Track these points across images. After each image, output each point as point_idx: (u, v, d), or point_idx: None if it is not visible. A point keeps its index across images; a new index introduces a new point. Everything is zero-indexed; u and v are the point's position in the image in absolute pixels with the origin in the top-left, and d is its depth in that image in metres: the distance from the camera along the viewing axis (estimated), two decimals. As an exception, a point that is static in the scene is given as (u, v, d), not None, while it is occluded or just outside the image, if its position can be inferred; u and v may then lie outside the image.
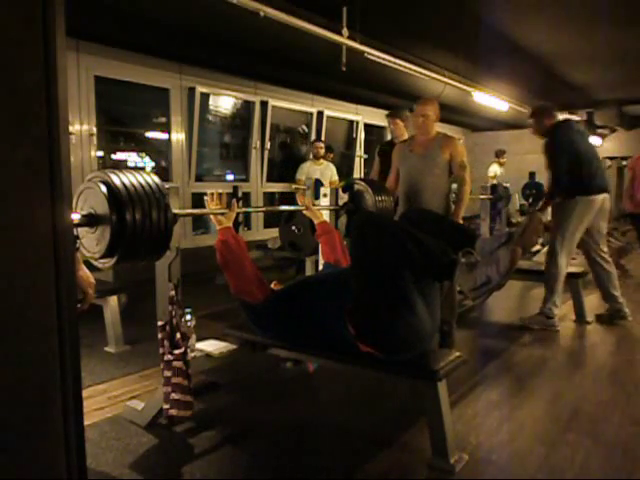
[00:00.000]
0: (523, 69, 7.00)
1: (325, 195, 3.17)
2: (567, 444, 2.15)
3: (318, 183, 5.83)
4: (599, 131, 10.42)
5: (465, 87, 6.43)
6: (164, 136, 5.96)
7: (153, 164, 6.13)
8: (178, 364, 2.08)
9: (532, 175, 7.01)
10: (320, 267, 2.95)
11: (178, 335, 2.10)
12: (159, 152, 6.16)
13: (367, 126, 8.45)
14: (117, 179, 1.79)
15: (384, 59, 4.77)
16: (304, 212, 2.91)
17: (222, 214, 2.33)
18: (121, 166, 5.69)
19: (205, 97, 6.10)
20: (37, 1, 0.81)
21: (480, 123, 10.16)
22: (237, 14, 3.54)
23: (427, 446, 2.01)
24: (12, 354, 0.82)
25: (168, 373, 2.09)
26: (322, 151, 6.14)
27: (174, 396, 2.08)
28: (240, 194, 5.50)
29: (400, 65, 5.05)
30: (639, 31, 5.48)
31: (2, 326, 0.81)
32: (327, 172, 6.17)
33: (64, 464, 0.88)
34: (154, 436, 2.21)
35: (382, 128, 8.67)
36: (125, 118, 5.96)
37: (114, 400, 2.57)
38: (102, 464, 1.99)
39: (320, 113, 7.47)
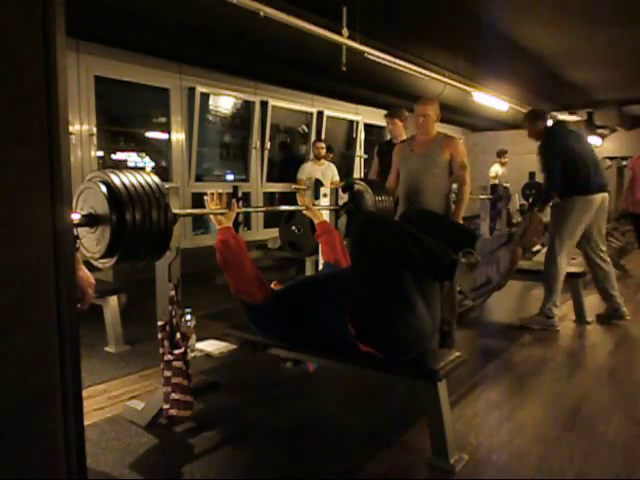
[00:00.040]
0: (523, 69, 7.01)
1: (325, 195, 3.17)
2: (567, 444, 2.15)
3: (318, 183, 5.84)
4: (599, 131, 10.42)
5: (465, 87, 6.44)
6: (164, 136, 5.96)
7: (153, 164, 6.13)
8: (178, 364, 2.08)
9: (532, 175, 7.02)
10: (320, 267, 2.95)
11: (178, 335, 2.10)
12: (159, 152, 6.16)
13: (367, 126, 8.46)
14: (117, 179, 1.79)
15: (384, 59, 4.77)
16: (304, 212, 2.91)
17: (222, 214, 2.33)
18: (121, 166, 5.69)
19: (205, 97, 6.11)
20: (37, 1, 0.81)
21: (480, 123, 10.16)
22: (237, 14, 3.54)
23: (427, 446, 2.01)
24: (12, 354, 0.82)
25: (168, 373, 2.09)
26: (323, 151, 6.14)
27: (174, 396, 2.08)
28: (240, 194, 5.50)
29: (400, 65, 5.05)
30: (639, 31, 5.49)
31: (2, 326, 0.81)
32: (328, 172, 6.18)
33: (64, 464, 0.88)
34: (154, 436, 2.21)
35: (382, 128, 8.67)
36: (125, 118, 5.96)
37: (114, 400, 2.57)
38: (102, 464, 1.99)
39: (320, 113, 7.47)
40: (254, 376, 2.94)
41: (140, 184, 1.82)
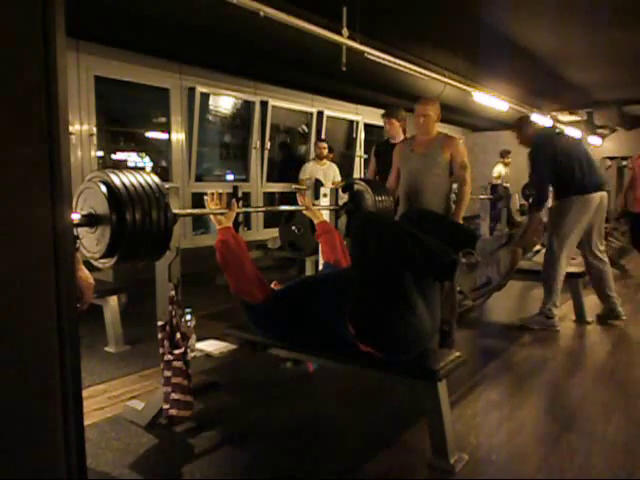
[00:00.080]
0: (523, 69, 7.00)
1: (325, 195, 3.17)
2: (567, 444, 2.15)
3: (318, 183, 5.85)
4: (599, 131, 10.43)
5: (465, 87, 6.43)
6: (164, 136, 5.96)
7: (152, 164, 6.13)
8: (178, 364, 2.08)
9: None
10: (320, 267, 2.95)
11: (178, 335, 2.10)
12: (159, 152, 6.16)
13: (367, 126, 8.46)
14: (117, 179, 1.79)
15: (384, 59, 4.77)
16: (304, 212, 2.91)
17: (222, 214, 2.33)
18: (121, 166, 5.69)
19: (205, 97, 6.11)
20: (37, 1, 0.81)
21: (480, 123, 10.16)
22: (237, 14, 3.54)
23: (427, 446, 2.01)
24: (12, 354, 0.82)
25: (168, 373, 2.09)
26: (325, 151, 6.14)
27: (174, 396, 2.08)
28: (240, 194, 5.50)
29: (400, 65, 5.05)
30: (639, 31, 5.49)
31: (2, 326, 0.81)
32: (330, 172, 6.18)
33: (64, 464, 0.88)
34: (154, 436, 2.21)
35: (382, 128, 8.64)
36: (125, 118, 5.96)
37: (114, 400, 2.57)
38: (102, 464, 1.99)
39: (320, 113, 7.47)
40: (254, 376, 2.93)
41: (140, 184, 1.82)
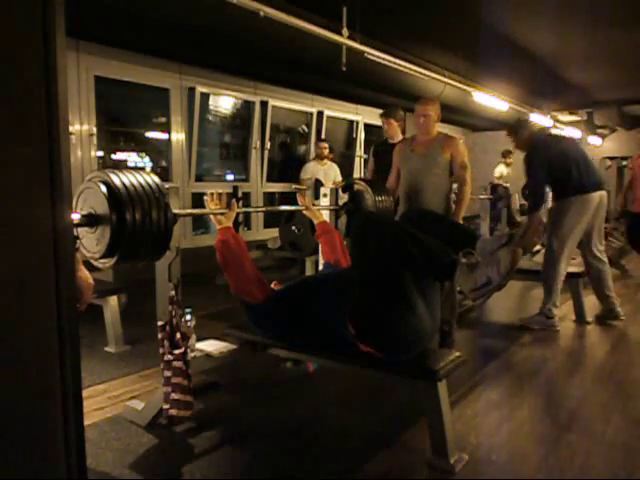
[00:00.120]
0: (523, 69, 7.01)
1: (325, 195, 3.17)
2: (567, 444, 2.15)
3: (318, 183, 5.85)
4: (599, 131, 10.43)
5: (465, 87, 6.43)
6: (164, 136, 5.96)
7: (151, 164, 6.13)
8: (178, 364, 2.08)
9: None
10: (320, 267, 2.95)
11: (178, 335, 2.10)
12: (159, 152, 6.16)
13: (367, 126, 8.46)
14: (117, 179, 1.79)
15: (384, 59, 4.77)
16: (304, 212, 2.91)
17: (222, 214, 2.33)
18: (121, 166, 5.69)
19: (205, 97, 6.11)
20: (37, 1, 0.81)
21: (480, 123, 10.16)
22: (237, 14, 3.54)
23: (427, 446, 2.01)
24: (12, 354, 0.82)
25: (168, 373, 2.09)
26: (326, 151, 6.14)
27: (174, 396, 2.08)
28: (240, 194, 5.50)
29: (400, 65, 5.05)
30: (639, 31, 5.49)
31: (2, 326, 0.81)
32: (331, 172, 6.18)
33: (64, 464, 0.88)
34: (154, 436, 2.21)
35: (382, 128, 8.67)
36: (125, 118, 5.96)
37: (114, 400, 2.57)
38: (102, 464, 1.99)
39: (320, 113, 7.47)
40: (254, 376, 2.93)
41: (140, 184, 1.82)
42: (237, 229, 3.52)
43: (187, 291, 2.22)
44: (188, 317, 2.18)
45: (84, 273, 1.87)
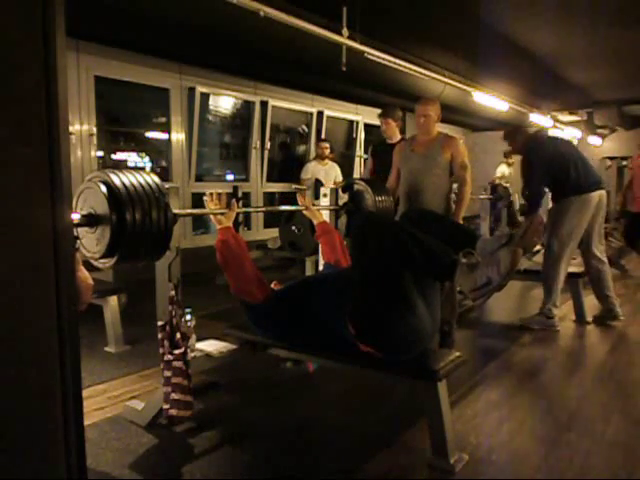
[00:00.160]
0: (523, 69, 7.00)
1: (325, 195, 3.17)
2: (567, 444, 2.15)
3: (318, 183, 5.85)
4: (599, 131, 10.42)
5: (465, 87, 6.43)
6: (164, 136, 5.96)
7: (150, 164, 6.13)
8: (178, 364, 2.08)
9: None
10: (320, 267, 2.95)
11: (178, 335, 2.10)
12: (159, 152, 6.16)
13: (367, 126, 8.45)
14: (117, 179, 1.79)
15: (384, 59, 4.77)
16: (304, 212, 2.91)
17: (222, 214, 2.33)
18: (121, 166, 5.69)
19: (205, 97, 6.11)
20: (37, 1, 0.81)
21: (480, 123, 10.16)
22: (237, 14, 3.54)
23: (427, 446, 2.01)
24: (12, 354, 0.82)
25: (168, 373, 2.09)
26: (327, 151, 6.14)
27: (174, 396, 2.08)
28: (240, 194, 5.50)
29: (400, 65, 5.04)
30: (639, 31, 5.48)
31: (2, 326, 0.81)
32: (332, 172, 6.18)
33: (64, 464, 0.88)
34: (154, 436, 2.21)
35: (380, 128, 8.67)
36: (125, 118, 5.96)
37: (114, 400, 2.57)
38: (102, 464, 1.99)
39: (320, 113, 7.47)
40: (254, 376, 2.93)
41: (140, 184, 1.82)
42: (237, 229, 3.52)
43: (187, 291, 2.22)
44: (188, 317, 2.18)
45: (83, 273, 1.87)
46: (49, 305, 0.85)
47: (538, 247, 4.81)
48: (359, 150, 8.39)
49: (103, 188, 1.76)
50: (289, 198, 6.53)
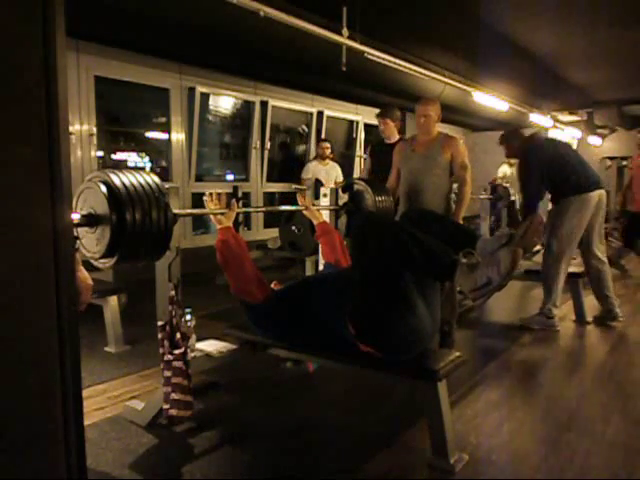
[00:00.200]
0: (523, 69, 7.00)
1: (325, 195, 3.17)
2: (567, 444, 2.15)
3: (318, 183, 5.85)
4: (599, 131, 10.42)
5: (465, 87, 6.43)
6: (164, 136, 5.96)
7: (150, 164, 6.13)
8: (178, 364, 2.08)
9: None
10: (320, 267, 2.95)
11: (178, 335, 2.10)
12: (159, 152, 6.16)
13: (367, 126, 8.45)
14: (117, 179, 1.79)
15: (384, 59, 4.77)
16: (304, 212, 2.91)
17: (222, 214, 2.33)
18: (121, 166, 5.69)
19: (205, 97, 6.11)
20: (37, 1, 0.81)
21: (480, 123, 10.16)
22: (237, 14, 3.54)
23: (427, 446, 2.01)
24: (12, 354, 0.82)
25: (168, 373, 2.09)
26: (328, 151, 6.14)
27: (174, 396, 2.08)
28: (240, 194, 5.50)
29: (400, 65, 5.04)
30: (639, 31, 5.48)
31: (2, 326, 0.81)
32: (333, 172, 6.18)
33: (64, 464, 0.88)
34: (154, 436, 2.21)
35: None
36: (125, 118, 5.96)
37: (114, 400, 2.57)
38: (102, 464, 1.99)
39: (320, 113, 7.47)
40: (254, 376, 2.93)
41: (140, 184, 1.82)
42: (237, 229, 3.52)
43: (187, 291, 2.22)
44: (188, 317, 2.18)
45: (83, 274, 1.87)
46: (49, 305, 0.85)
47: (538, 247, 4.81)
48: (359, 150, 8.39)
49: (103, 188, 1.76)
50: (289, 198, 6.53)
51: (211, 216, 2.35)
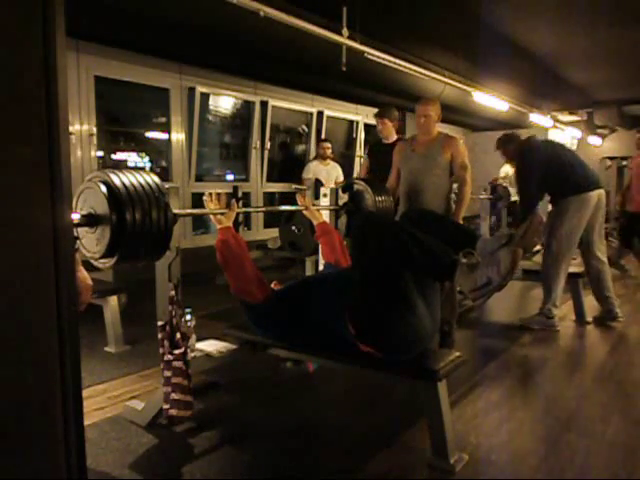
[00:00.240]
0: (523, 69, 7.00)
1: (325, 195, 3.17)
2: (567, 444, 2.15)
3: (318, 183, 5.85)
4: (599, 131, 10.42)
5: (465, 87, 6.43)
6: (164, 136, 5.96)
7: (150, 164, 6.13)
8: (178, 364, 2.08)
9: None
10: (320, 267, 2.95)
11: (178, 335, 2.10)
12: (159, 152, 6.16)
13: (367, 126, 8.45)
14: (117, 179, 1.79)
15: (384, 59, 4.77)
16: (304, 212, 2.91)
17: (222, 214, 2.33)
18: (121, 166, 5.69)
19: (205, 97, 6.11)
20: (37, 1, 0.81)
21: (480, 123, 10.16)
22: (237, 14, 3.54)
23: (427, 446, 2.01)
24: (12, 354, 0.82)
25: (168, 373, 2.09)
26: (329, 151, 6.13)
27: (174, 396, 2.08)
28: (240, 194, 5.50)
29: (400, 65, 5.05)
30: (639, 31, 5.48)
31: (2, 326, 0.81)
32: (333, 172, 6.18)
33: (64, 464, 0.88)
34: (154, 436, 2.21)
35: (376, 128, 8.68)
36: (125, 118, 5.96)
37: (114, 400, 2.57)
38: (102, 464, 1.99)
39: (320, 113, 7.47)
40: (254, 376, 2.93)
41: (140, 184, 1.82)
42: (237, 229, 3.52)
43: (187, 291, 2.22)
44: (188, 317, 2.18)
45: (82, 274, 1.87)
46: (49, 305, 0.85)
47: (538, 247, 4.82)
48: (359, 150, 8.39)
49: (103, 188, 1.76)
50: (289, 198, 6.53)
51: (211, 216, 2.35)
